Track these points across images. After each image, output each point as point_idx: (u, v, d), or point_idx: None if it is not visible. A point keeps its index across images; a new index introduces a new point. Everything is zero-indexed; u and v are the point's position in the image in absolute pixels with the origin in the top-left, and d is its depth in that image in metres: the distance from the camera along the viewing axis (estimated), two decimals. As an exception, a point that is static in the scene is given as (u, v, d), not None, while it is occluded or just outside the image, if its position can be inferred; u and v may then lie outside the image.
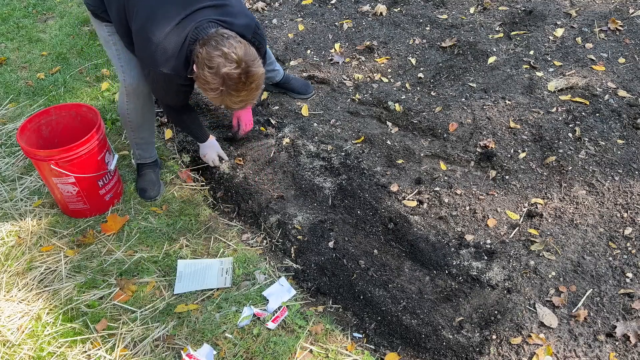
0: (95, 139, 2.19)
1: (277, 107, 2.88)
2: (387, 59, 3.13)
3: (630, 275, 1.96)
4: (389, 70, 3.06)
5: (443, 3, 3.49)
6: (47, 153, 2.10)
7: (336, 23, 3.45)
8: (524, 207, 2.24)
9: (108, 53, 2.18)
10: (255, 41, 1.96)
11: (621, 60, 2.84)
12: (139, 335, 1.93)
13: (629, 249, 2.04)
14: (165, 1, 1.86)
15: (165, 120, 2.90)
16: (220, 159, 2.55)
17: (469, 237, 2.16)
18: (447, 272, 2.06)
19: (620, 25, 3.05)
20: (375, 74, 3.04)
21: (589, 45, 2.96)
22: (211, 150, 2.50)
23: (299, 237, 2.25)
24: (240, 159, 2.57)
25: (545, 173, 2.35)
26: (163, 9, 1.85)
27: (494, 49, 3.04)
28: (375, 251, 2.17)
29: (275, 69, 2.82)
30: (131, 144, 2.44)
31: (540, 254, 2.06)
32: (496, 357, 1.80)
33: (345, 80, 3.03)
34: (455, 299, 1.97)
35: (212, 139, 2.50)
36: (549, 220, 2.17)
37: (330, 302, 2.03)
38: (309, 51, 3.25)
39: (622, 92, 2.64)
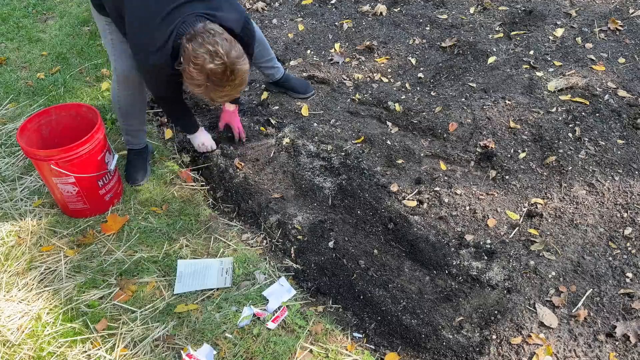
0: (95, 139, 2.19)
1: (277, 107, 2.88)
2: (387, 59, 3.13)
3: (630, 275, 1.96)
4: (389, 70, 3.06)
5: (443, 3, 3.49)
6: (47, 153, 2.10)
7: (336, 23, 3.45)
8: (524, 207, 2.24)
9: (104, 43, 2.25)
10: (244, 36, 1.99)
11: (621, 60, 2.84)
12: (139, 335, 1.93)
13: (629, 249, 2.04)
14: None
15: (165, 120, 2.90)
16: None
17: (469, 237, 2.16)
18: (447, 272, 2.06)
19: (620, 25, 3.05)
20: (375, 74, 3.04)
21: (589, 45, 2.97)
22: (205, 137, 2.56)
23: (299, 237, 2.25)
24: (241, 164, 2.56)
25: (545, 173, 2.35)
26: (152, 1, 1.88)
27: (494, 49, 3.04)
28: (375, 251, 2.17)
29: (275, 66, 2.83)
30: (121, 130, 2.54)
31: (540, 254, 2.06)
32: (496, 357, 1.80)
33: (345, 80, 3.03)
34: (455, 299, 1.97)
35: (202, 128, 2.56)
36: (549, 220, 2.17)
37: (330, 302, 2.04)
38: (309, 51, 3.25)
39: (622, 92, 2.64)
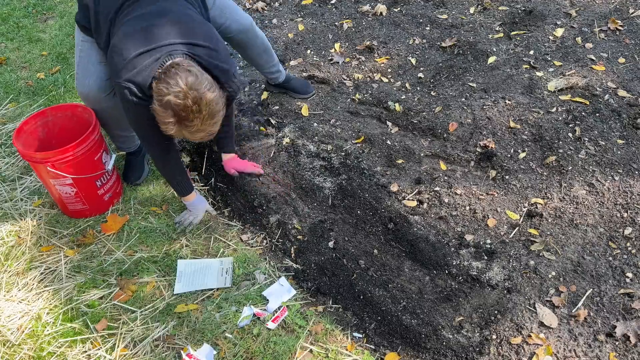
0: (91, 140, 2.18)
1: (277, 107, 2.88)
2: (387, 59, 3.13)
3: (630, 275, 1.96)
4: (389, 70, 3.06)
5: (443, 3, 3.49)
6: (43, 155, 2.10)
7: (336, 23, 3.45)
8: (524, 207, 2.24)
9: (75, 57, 2.18)
10: (228, 87, 1.86)
11: (621, 60, 2.84)
12: (139, 335, 1.93)
13: (629, 249, 2.04)
14: (153, 26, 1.79)
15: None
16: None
17: (469, 237, 2.16)
18: (447, 272, 2.06)
19: (620, 25, 3.05)
20: (375, 74, 3.04)
21: (589, 45, 2.96)
22: (200, 209, 2.32)
23: (299, 237, 2.25)
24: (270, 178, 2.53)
25: (545, 173, 2.35)
26: (147, 32, 1.78)
27: (494, 49, 3.04)
28: (375, 251, 2.17)
29: (280, 71, 2.82)
30: (109, 137, 2.52)
31: (540, 254, 2.06)
32: (496, 357, 1.80)
33: (345, 80, 3.03)
34: (455, 299, 1.97)
35: (196, 193, 2.30)
36: (549, 220, 2.17)
37: (330, 302, 2.03)
38: (309, 51, 3.25)
39: (622, 92, 2.64)
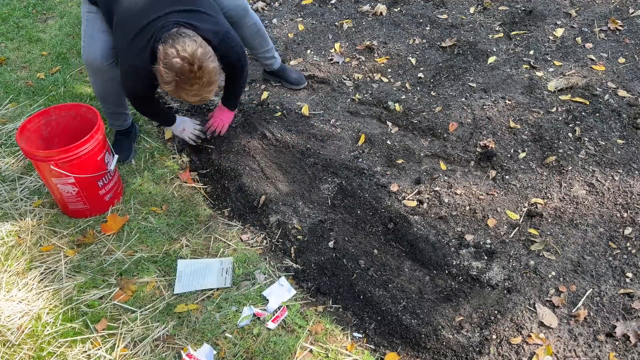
0: (95, 140, 2.19)
1: (277, 107, 2.88)
2: (387, 58, 3.13)
3: (630, 275, 1.96)
4: (389, 70, 3.06)
5: (443, 3, 3.49)
6: (46, 154, 2.10)
7: (336, 23, 3.45)
8: (524, 207, 2.24)
9: (82, 28, 2.34)
10: (220, 49, 2.09)
11: (621, 60, 2.84)
12: (139, 335, 1.93)
13: (629, 249, 2.04)
14: (141, 3, 2.03)
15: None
16: (201, 132, 2.66)
17: (469, 237, 2.16)
18: (447, 272, 2.06)
19: (620, 25, 3.05)
20: (375, 74, 3.04)
21: (589, 45, 2.96)
22: (185, 124, 2.61)
23: (299, 237, 2.25)
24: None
25: (545, 173, 2.35)
26: (139, 9, 2.03)
27: (494, 49, 3.04)
28: (375, 251, 2.17)
29: (275, 57, 2.92)
30: (104, 113, 2.61)
31: (540, 254, 2.06)
32: (496, 357, 1.80)
33: (345, 80, 3.03)
34: (455, 299, 1.97)
35: (180, 117, 2.61)
36: (549, 220, 2.17)
37: (330, 302, 2.04)
38: (309, 51, 3.25)
39: (622, 92, 2.64)
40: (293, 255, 2.20)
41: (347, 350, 1.87)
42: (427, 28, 3.31)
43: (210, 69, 1.93)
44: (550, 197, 2.25)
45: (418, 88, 2.91)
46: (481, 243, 2.14)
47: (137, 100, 2.36)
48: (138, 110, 2.50)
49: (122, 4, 2.07)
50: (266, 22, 3.57)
